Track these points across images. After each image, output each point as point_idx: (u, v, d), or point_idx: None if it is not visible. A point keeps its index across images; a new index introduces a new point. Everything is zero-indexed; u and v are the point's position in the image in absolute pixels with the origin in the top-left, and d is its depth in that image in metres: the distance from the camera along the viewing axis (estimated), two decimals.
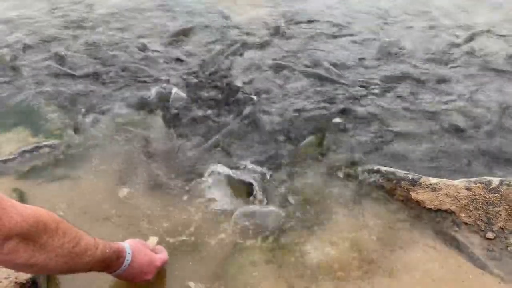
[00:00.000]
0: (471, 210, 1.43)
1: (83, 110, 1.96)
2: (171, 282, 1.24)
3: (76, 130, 1.83)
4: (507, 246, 1.35)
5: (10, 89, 2.10)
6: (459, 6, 3.11)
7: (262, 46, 2.56)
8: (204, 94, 2.09)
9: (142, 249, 1.13)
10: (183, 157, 1.71)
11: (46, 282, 1.21)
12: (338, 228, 1.42)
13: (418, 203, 1.48)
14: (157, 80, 2.19)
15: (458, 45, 2.59)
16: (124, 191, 1.54)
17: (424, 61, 2.43)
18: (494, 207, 1.42)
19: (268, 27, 2.79)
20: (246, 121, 1.91)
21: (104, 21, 2.81)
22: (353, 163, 1.69)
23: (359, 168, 1.66)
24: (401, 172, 1.58)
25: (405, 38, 2.68)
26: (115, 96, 2.07)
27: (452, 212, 1.44)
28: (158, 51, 2.47)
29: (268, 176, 1.62)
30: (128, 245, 1.09)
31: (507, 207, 1.41)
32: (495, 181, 1.47)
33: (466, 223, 1.42)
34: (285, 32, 2.73)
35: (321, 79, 2.23)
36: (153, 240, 1.28)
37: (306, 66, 2.35)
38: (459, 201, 1.45)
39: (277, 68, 2.31)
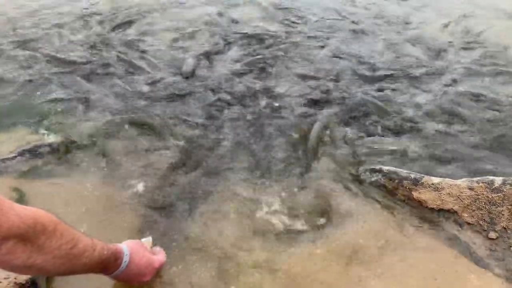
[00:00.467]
0: (473, 210, 1.42)
1: (84, 108, 1.95)
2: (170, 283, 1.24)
3: (77, 128, 1.82)
4: (510, 246, 1.34)
5: (9, 87, 2.09)
6: None
7: None
8: None
9: (140, 251, 1.13)
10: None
11: (46, 282, 1.20)
12: (338, 228, 1.42)
13: (420, 202, 1.47)
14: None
15: None
16: (125, 192, 1.53)
17: None
18: (497, 207, 1.41)
19: None
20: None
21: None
22: (355, 162, 1.69)
23: (361, 168, 1.65)
24: (403, 171, 1.57)
25: None
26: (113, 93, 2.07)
27: (454, 212, 1.43)
28: None
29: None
30: (126, 247, 1.09)
31: (510, 207, 1.40)
32: (498, 180, 1.46)
33: (468, 223, 1.40)
34: None
35: None
36: (147, 240, 1.28)
37: None
38: (461, 200, 1.43)
39: None
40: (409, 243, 1.37)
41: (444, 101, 2.09)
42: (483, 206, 1.42)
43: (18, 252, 0.84)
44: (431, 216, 1.44)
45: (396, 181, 1.54)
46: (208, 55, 2.42)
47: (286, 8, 3.11)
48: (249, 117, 1.93)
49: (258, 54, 2.44)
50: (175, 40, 2.59)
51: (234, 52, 2.48)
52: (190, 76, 2.19)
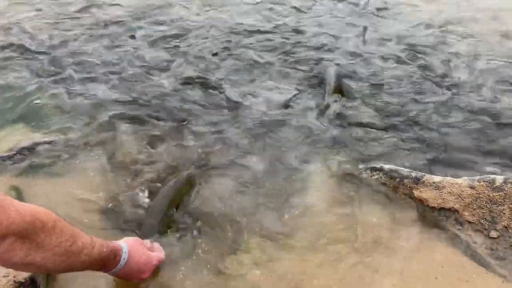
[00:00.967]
0: (474, 209, 1.41)
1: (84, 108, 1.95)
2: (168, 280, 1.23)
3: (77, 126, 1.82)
4: (511, 245, 1.33)
5: (9, 86, 2.08)
6: None
7: None
8: None
9: (139, 248, 1.13)
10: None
11: (45, 280, 1.19)
12: (338, 228, 1.41)
13: (421, 201, 1.47)
14: None
15: None
16: (124, 189, 1.52)
17: None
18: (498, 206, 1.40)
19: None
20: None
21: None
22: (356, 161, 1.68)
23: (362, 166, 1.65)
24: (404, 170, 1.56)
25: None
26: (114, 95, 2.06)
27: (455, 211, 1.42)
28: None
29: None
30: (125, 244, 1.09)
31: (511, 206, 1.39)
32: (499, 179, 1.45)
33: (469, 222, 1.40)
34: None
35: None
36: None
37: None
38: (462, 199, 1.43)
39: None
40: (409, 242, 1.36)
41: None
42: (484, 205, 1.41)
43: (17, 249, 0.84)
44: (432, 215, 1.44)
45: (397, 179, 1.54)
46: None
47: None
48: None
49: None
50: None
51: None
52: None
